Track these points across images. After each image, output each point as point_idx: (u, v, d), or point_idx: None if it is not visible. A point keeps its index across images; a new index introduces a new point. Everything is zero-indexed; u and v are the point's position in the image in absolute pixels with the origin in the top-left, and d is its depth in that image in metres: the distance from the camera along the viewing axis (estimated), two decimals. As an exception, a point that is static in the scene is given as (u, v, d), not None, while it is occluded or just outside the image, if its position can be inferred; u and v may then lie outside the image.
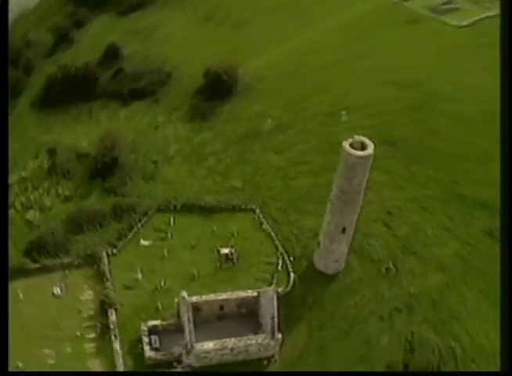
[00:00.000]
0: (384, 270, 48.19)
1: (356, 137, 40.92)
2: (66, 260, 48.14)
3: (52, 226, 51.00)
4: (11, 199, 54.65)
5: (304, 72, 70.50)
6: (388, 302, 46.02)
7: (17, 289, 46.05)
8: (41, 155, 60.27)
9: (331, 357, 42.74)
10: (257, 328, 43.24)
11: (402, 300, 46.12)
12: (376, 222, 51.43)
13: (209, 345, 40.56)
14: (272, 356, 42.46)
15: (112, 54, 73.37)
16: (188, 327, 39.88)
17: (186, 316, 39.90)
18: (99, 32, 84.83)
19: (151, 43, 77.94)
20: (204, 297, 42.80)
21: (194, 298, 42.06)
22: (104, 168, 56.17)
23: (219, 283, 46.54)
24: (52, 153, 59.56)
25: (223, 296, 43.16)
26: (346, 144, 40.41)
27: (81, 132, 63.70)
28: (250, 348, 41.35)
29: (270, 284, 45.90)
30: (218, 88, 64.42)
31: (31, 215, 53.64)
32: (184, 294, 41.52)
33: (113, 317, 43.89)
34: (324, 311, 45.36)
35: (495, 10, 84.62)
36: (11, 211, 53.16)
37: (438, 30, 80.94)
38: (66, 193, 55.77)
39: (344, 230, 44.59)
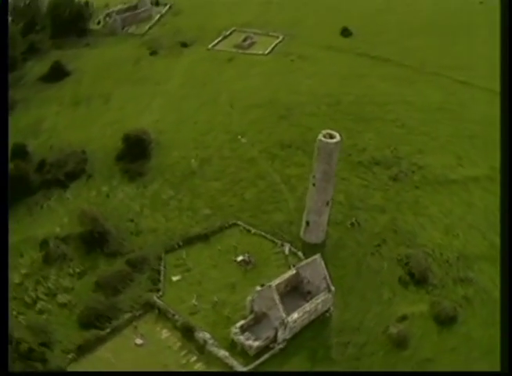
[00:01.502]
0: (349, 225, 64.70)
1: (324, 131, 56.68)
2: (126, 316, 53.84)
3: (91, 297, 55.44)
4: (27, 299, 57.01)
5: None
6: (368, 243, 62.54)
7: (105, 354, 50.62)
8: (26, 251, 62.10)
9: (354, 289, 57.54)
10: (307, 295, 55.37)
11: (375, 238, 63.13)
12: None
13: (294, 315, 51.72)
14: (329, 309, 55.25)
15: (20, 153, 75.89)
16: (279, 305, 50.60)
17: (276, 298, 50.57)
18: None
19: (46, 135, 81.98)
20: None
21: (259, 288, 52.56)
22: (97, 240, 61.36)
23: (254, 281, 57.26)
24: (42, 245, 62.17)
25: (276, 282, 54.20)
26: (321, 137, 55.84)
27: (45, 222, 66.31)
28: (318, 307, 53.60)
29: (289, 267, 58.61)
30: (138, 149, 73.33)
31: (62, 298, 56.76)
32: (258, 287, 51.98)
33: (203, 334, 51.67)
34: (334, 266, 59.61)
35: (280, 36, 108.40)
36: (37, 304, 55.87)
37: (253, 60, 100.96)
38: (77, 269, 59.76)
39: (327, 203, 59.73)
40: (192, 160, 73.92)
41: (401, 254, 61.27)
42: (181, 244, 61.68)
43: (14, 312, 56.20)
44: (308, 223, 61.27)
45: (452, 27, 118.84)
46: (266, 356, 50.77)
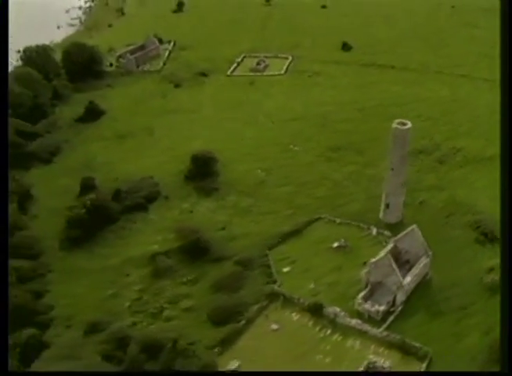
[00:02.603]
0: (418, 204, 72.85)
1: (396, 120, 65.00)
2: (255, 308, 59.61)
3: (213, 299, 61.30)
4: (152, 310, 61.94)
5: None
6: (438, 216, 70.63)
7: (248, 343, 56.46)
8: (130, 270, 67.19)
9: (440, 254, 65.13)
10: (405, 264, 62.50)
11: (442, 212, 71.29)
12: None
13: (407, 278, 58.82)
14: (428, 272, 62.58)
15: (90, 186, 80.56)
16: (397, 271, 57.63)
17: (393, 264, 57.64)
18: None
19: (105, 169, 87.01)
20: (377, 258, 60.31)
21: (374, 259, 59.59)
22: (201, 249, 67.21)
23: (355, 261, 64.18)
24: (149, 261, 67.12)
25: (381, 254, 61.10)
26: (395, 124, 64.19)
27: (138, 242, 71.21)
28: (421, 271, 60.87)
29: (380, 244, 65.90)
30: (206, 167, 79.84)
31: (184, 304, 62.01)
32: (372, 260, 58.96)
33: (332, 309, 57.95)
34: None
35: (290, 57, 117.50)
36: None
37: (272, 80, 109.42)
38: (189, 278, 65.10)
39: (403, 185, 67.68)
40: (259, 171, 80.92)
41: (470, 220, 69.54)
42: (279, 240, 68.13)
43: (144, 323, 61.26)
44: (387, 205, 68.92)
45: (433, 31, 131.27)
46: (391, 318, 57.52)
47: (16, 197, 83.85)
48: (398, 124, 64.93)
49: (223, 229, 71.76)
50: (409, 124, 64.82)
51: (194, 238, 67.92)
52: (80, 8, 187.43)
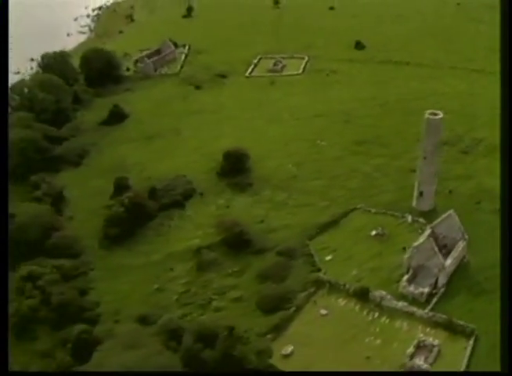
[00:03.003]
0: (448, 192, 75.41)
1: (428, 111, 67.65)
2: (303, 295, 61.94)
3: (261, 288, 63.66)
4: (200, 302, 64.12)
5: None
6: (468, 203, 73.09)
7: (299, 329, 58.72)
8: (174, 265, 69.42)
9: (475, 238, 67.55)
10: (443, 248, 64.89)
11: (471, 199, 73.76)
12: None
13: (448, 261, 61.28)
14: (465, 256, 65.02)
15: (124, 186, 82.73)
16: (439, 254, 60.08)
17: (435, 248, 60.10)
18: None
19: (137, 169, 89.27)
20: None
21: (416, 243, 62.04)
22: (243, 241, 69.71)
23: (393, 248, 66.61)
24: (195, 254, 69.37)
25: (421, 240, 63.48)
26: (427, 115, 66.82)
27: (178, 238, 73.56)
28: (460, 254, 63.32)
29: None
30: (240, 164, 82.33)
31: (232, 294, 64.22)
32: (414, 244, 61.39)
33: (379, 293, 60.28)
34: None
35: (306, 57, 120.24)
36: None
37: (291, 80, 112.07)
38: (234, 269, 67.38)
39: (436, 173, 70.24)
40: (290, 166, 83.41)
41: (499, 206, 71.94)
42: (317, 231, 70.52)
43: (194, 315, 63.34)
44: (421, 193, 71.44)
45: (442, 28, 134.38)
46: (435, 299, 59.91)
47: (49, 199, 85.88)
48: (430, 114, 67.55)
49: (262, 222, 74.06)
50: (441, 114, 67.45)
51: (236, 231, 70.13)
52: (88, 16, 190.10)
